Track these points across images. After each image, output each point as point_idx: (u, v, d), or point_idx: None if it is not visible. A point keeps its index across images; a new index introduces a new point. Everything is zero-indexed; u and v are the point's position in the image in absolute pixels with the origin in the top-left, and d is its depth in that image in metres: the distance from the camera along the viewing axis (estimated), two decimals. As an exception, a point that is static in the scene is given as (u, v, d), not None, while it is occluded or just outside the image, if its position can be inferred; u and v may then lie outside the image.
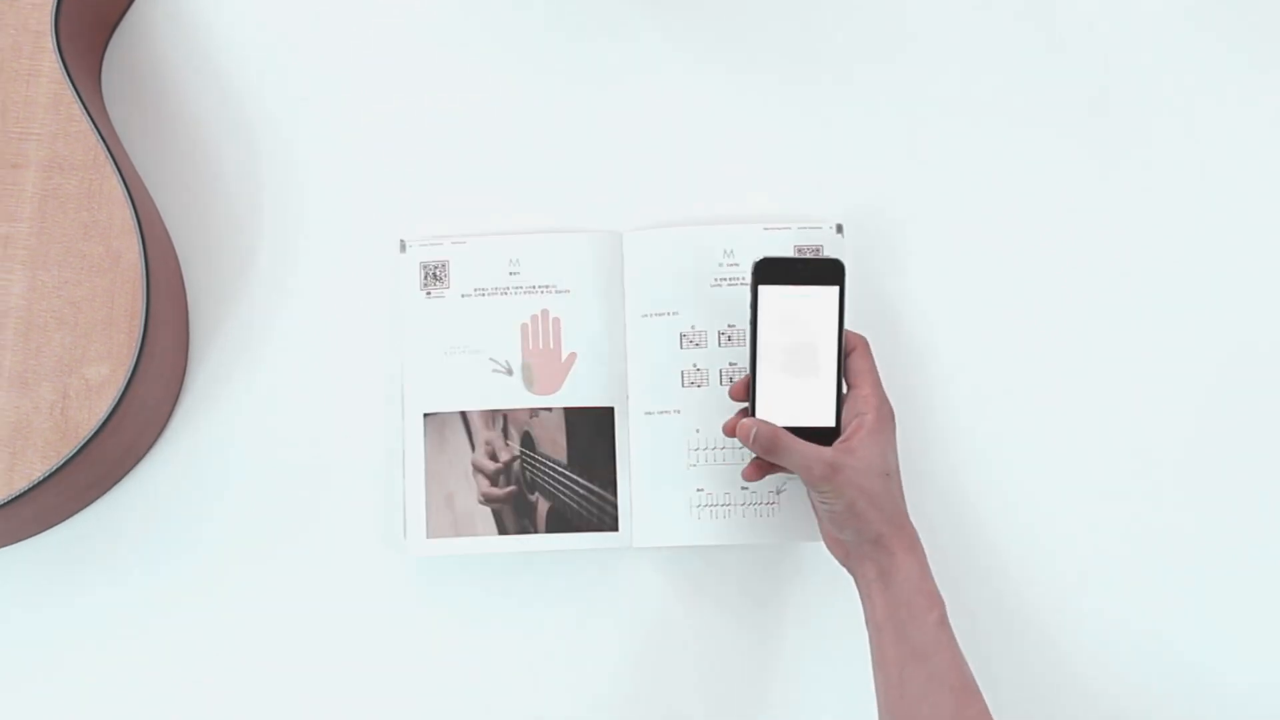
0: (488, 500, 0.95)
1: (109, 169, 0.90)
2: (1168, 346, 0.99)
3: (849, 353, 0.88)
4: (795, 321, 0.88)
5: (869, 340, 0.89)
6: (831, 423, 0.87)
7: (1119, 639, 0.97)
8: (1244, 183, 1.00)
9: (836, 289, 0.88)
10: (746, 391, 0.88)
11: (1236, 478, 0.98)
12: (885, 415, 0.87)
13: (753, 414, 0.88)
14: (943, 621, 0.83)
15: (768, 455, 0.86)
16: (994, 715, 0.82)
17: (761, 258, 0.88)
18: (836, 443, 0.85)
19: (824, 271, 0.88)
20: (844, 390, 0.88)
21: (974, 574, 0.97)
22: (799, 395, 0.88)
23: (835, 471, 0.84)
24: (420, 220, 0.98)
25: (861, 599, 0.85)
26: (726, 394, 0.95)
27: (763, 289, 0.88)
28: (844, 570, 0.89)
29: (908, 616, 0.82)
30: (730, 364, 0.96)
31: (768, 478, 0.94)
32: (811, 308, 0.88)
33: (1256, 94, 1.01)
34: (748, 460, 0.90)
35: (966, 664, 0.82)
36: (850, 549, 0.86)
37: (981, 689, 0.82)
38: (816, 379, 0.87)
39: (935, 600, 0.83)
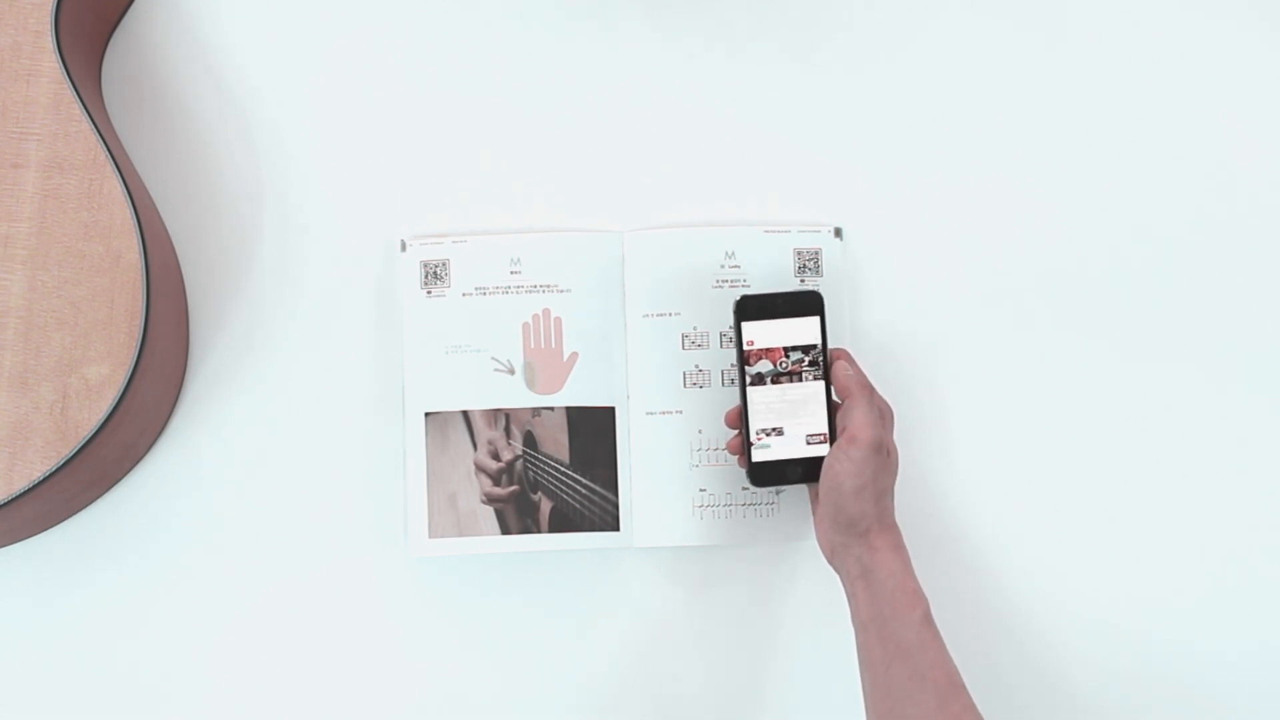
0: (490, 500, 0.95)
1: (109, 169, 0.90)
2: (1166, 350, 0.99)
3: (833, 362, 0.90)
4: (780, 354, 0.89)
5: (867, 343, 0.89)
6: (825, 452, 0.88)
7: (1106, 637, 0.97)
8: (1243, 185, 1.00)
9: (817, 319, 0.89)
10: (739, 420, 0.90)
11: (1230, 477, 0.98)
12: (886, 414, 0.89)
13: (746, 445, 0.89)
14: (926, 619, 0.83)
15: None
16: (981, 712, 0.82)
17: (741, 295, 0.90)
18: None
19: (804, 303, 0.90)
20: (834, 410, 0.89)
21: (965, 573, 0.97)
22: (790, 425, 0.89)
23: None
24: (420, 220, 0.98)
25: (847, 598, 0.86)
26: (728, 394, 0.95)
27: (746, 325, 0.89)
28: (841, 571, 0.90)
29: (891, 614, 0.83)
30: (732, 365, 0.96)
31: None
32: (794, 339, 0.89)
33: (1257, 94, 1.01)
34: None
35: (951, 661, 0.83)
36: (837, 546, 0.86)
37: (970, 687, 0.83)
38: (805, 409, 0.89)
39: (918, 598, 0.83)
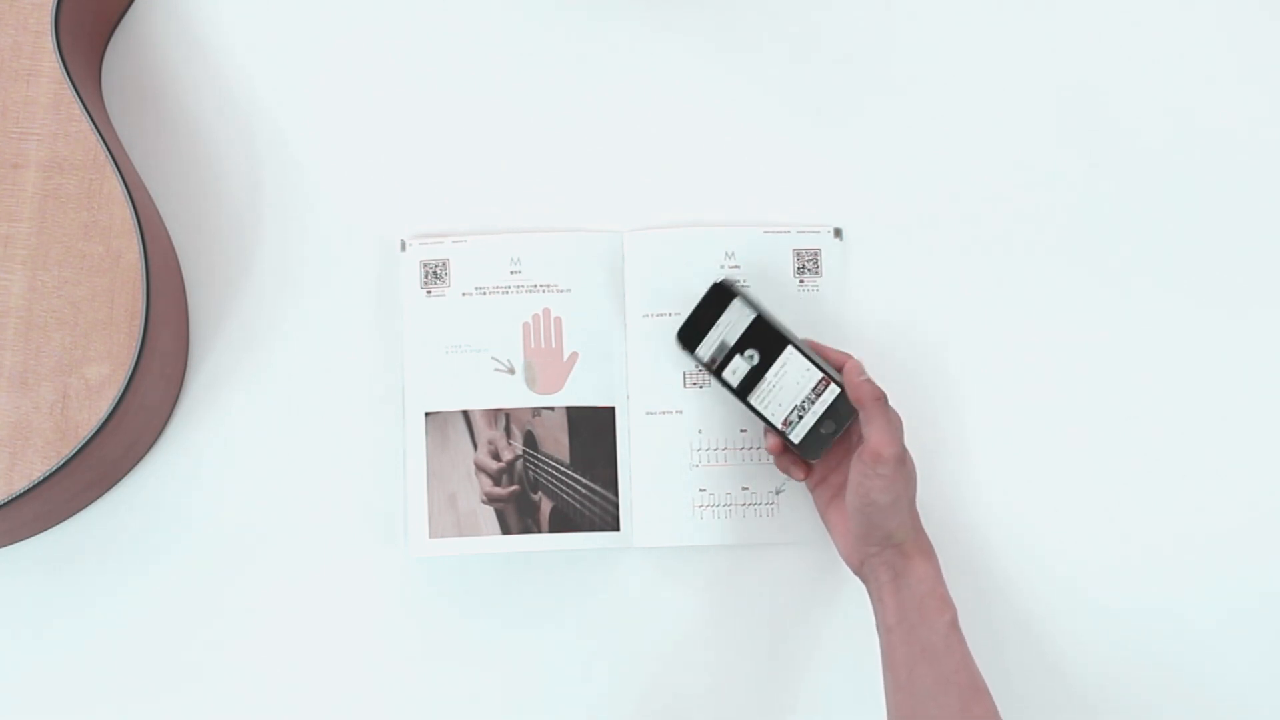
0: (491, 500, 0.95)
1: (109, 169, 0.90)
2: (1172, 347, 0.99)
3: (844, 364, 0.90)
4: (751, 352, 0.91)
5: (867, 343, 0.90)
6: (837, 392, 0.90)
7: (1130, 644, 0.97)
8: (1240, 184, 1.00)
9: (739, 299, 0.91)
10: (780, 442, 0.91)
11: (1241, 476, 0.98)
12: (897, 424, 0.89)
13: (781, 435, 0.90)
14: (954, 625, 0.83)
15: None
16: (1003, 717, 0.82)
17: (676, 332, 0.92)
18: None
19: (720, 297, 0.92)
20: (819, 354, 0.91)
21: (967, 572, 0.97)
22: (796, 395, 0.90)
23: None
24: (420, 220, 0.98)
25: (873, 603, 0.86)
26: (728, 394, 0.95)
27: (698, 350, 0.92)
28: (844, 571, 0.90)
29: (919, 619, 0.83)
30: (732, 364, 0.96)
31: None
32: (746, 331, 0.91)
33: (1253, 94, 1.01)
34: (749, 463, 0.90)
35: (976, 666, 0.83)
36: (869, 556, 0.86)
37: (993, 693, 0.83)
38: (796, 374, 0.90)
39: (948, 604, 0.84)
